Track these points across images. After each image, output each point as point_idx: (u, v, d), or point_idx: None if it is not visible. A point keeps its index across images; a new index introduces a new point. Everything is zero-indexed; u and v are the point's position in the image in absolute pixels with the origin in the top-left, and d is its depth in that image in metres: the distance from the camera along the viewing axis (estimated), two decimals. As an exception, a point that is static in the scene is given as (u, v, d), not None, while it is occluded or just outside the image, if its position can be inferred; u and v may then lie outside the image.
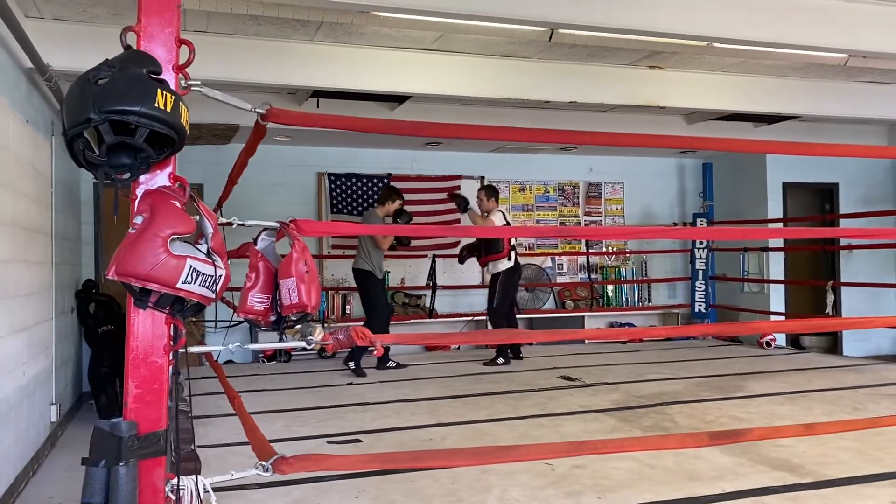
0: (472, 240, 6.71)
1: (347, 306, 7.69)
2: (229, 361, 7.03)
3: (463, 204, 6.33)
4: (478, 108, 6.51)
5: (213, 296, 2.03)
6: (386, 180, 8.01)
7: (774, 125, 7.39)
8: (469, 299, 8.32)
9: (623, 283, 8.74)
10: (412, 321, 7.53)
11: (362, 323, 5.97)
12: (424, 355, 7.36)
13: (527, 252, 8.59)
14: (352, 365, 5.96)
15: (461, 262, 6.76)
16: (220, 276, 2.04)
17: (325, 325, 7.03)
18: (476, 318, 7.79)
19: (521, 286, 8.27)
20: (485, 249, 6.30)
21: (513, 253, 6.28)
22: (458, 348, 7.89)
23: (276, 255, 2.40)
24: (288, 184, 7.65)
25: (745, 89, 6.29)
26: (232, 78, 4.95)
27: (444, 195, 8.17)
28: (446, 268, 8.24)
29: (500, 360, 6.22)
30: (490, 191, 6.41)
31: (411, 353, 7.40)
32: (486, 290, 8.11)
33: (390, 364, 6.35)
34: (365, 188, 7.93)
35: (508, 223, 6.36)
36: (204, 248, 2.05)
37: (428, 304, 7.80)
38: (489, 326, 6.49)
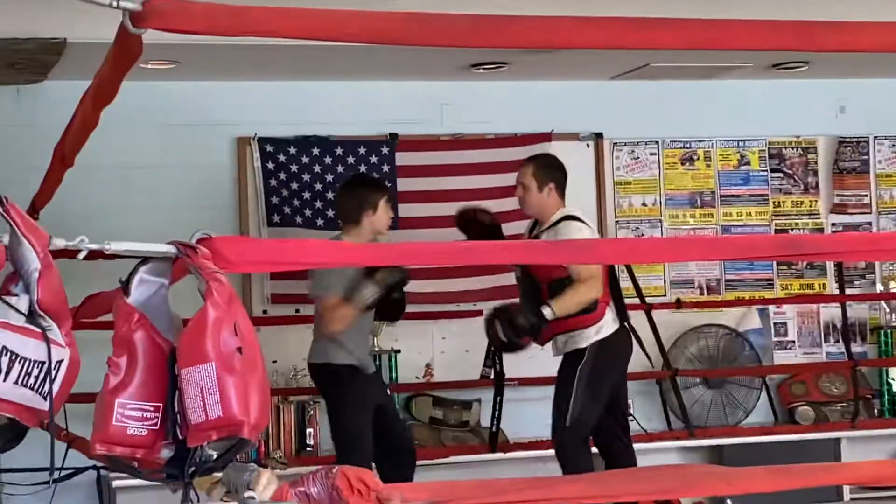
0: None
1: (309, 429, 7.77)
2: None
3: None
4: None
5: (45, 405, 2.12)
6: (386, 148, 8.13)
7: None
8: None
9: (928, 364, 8.68)
10: (453, 458, 7.56)
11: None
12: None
13: (700, 300, 8.62)
14: None
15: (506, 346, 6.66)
16: (60, 361, 2.13)
17: (276, 465, 7.07)
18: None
19: (689, 375, 8.28)
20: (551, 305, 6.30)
21: (609, 311, 6.33)
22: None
23: (171, 316, 2.48)
24: (176, 164, 7.82)
25: None
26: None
27: (516, 175, 8.22)
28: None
29: None
30: (549, 167, 6.50)
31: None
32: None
33: None
34: (341, 168, 8.06)
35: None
36: (23, 302, 2.14)
37: (487, 422, 7.82)
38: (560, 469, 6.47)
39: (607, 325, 6.33)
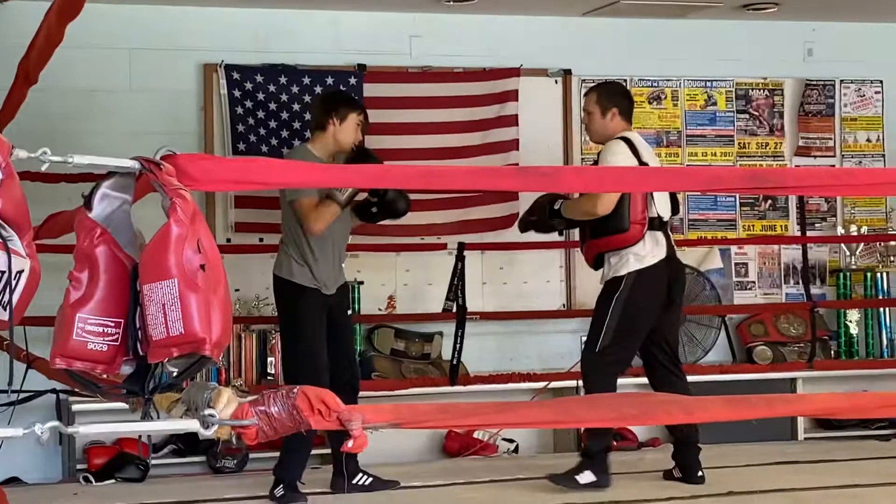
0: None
1: (270, 358, 7.80)
2: (13, 480, 7.11)
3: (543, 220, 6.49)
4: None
5: (4, 315, 2.10)
6: (353, 79, 8.09)
7: None
8: (543, 340, 8.40)
9: (885, 306, 8.78)
10: (413, 390, 7.61)
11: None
12: (441, 465, 7.42)
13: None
14: (279, 490, 6.13)
15: (526, 228, 6.77)
16: (21, 272, 2.12)
17: (237, 387, 7.09)
18: (563, 381, 7.85)
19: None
20: (592, 221, 6.31)
21: (651, 237, 6.24)
22: (516, 448, 7.96)
23: (133, 232, 2.46)
24: (141, 89, 7.81)
25: None
26: None
27: (486, 110, 8.28)
28: (491, 269, 8.32)
29: (587, 478, 6.20)
30: (612, 93, 6.51)
31: (412, 461, 7.43)
32: (580, 321, 8.21)
33: (361, 480, 6.47)
34: (308, 97, 8.02)
35: (642, 162, 6.28)
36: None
37: (448, 355, 7.87)
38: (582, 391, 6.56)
39: (650, 254, 6.23)
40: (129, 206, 2.47)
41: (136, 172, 2.44)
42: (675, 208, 6.51)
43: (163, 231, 2.31)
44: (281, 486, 6.12)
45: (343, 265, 6.45)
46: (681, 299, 6.61)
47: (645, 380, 6.63)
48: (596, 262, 6.44)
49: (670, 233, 6.45)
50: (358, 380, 6.53)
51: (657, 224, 6.28)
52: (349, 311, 6.60)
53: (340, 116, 6.19)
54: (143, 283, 2.32)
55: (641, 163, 6.25)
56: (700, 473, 6.44)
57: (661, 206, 6.31)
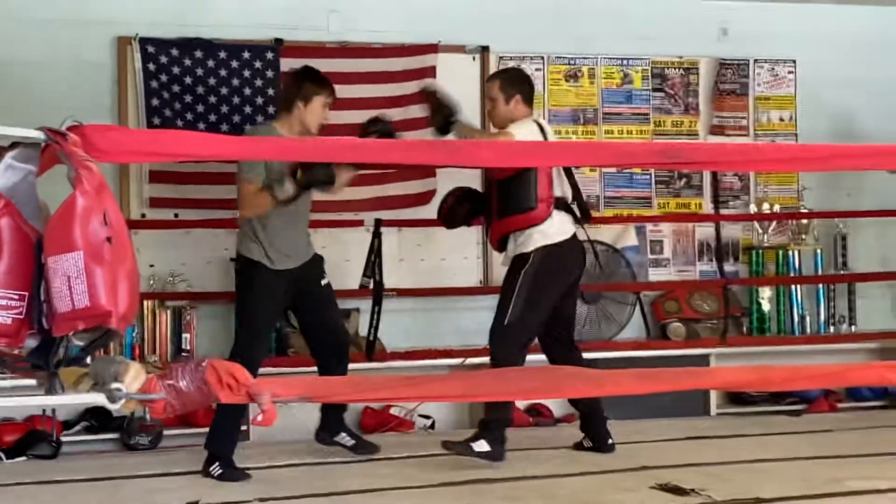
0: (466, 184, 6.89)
1: (185, 334, 7.76)
2: (-79, 458, 7.01)
3: (439, 114, 6.53)
4: None
5: None
6: (270, 54, 8.04)
7: None
8: (461, 317, 8.44)
9: (796, 283, 8.89)
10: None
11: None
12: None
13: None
14: (216, 469, 6.11)
15: (448, 222, 6.90)
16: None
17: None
18: (480, 358, 7.87)
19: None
20: (499, 201, 6.43)
21: (558, 215, 6.38)
22: (433, 425, 8.01)
23: (39, 204, 2.43)
24: (54, 62, 7.72)
25: None
26: None
27: (404, 86, 8.27)
28: (408, 246, 8.37)
29: (482, 447, 6.30)
30: (514, 80, 6.59)
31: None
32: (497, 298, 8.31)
33: (344, 439, 6.63)
34: (224, 72, 7.99)
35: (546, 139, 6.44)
36: None
37: (365, 331, 7.86)
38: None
39: (556, 231, 6.36)
40: (34, 178, 2.44)
41: (42, 143, 2.41)
42: (576, 195, 6.58)
43: (68, 202, 2.29)
44: (217, 463, 6.08)
45: (309, 237, 6.49)
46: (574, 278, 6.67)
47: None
48: (501, 244, 6.53)
49: (576, 215, 6.53)
50: (346, 348, 6.58)
51: (562, 204, 6.41)
52: (323, 281, 6.53)
53: (305, 98, 6.16)
54: (48, 256, 2.30)
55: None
56: (610, 441, 6.60)
57: (563, 187, 6.46)
